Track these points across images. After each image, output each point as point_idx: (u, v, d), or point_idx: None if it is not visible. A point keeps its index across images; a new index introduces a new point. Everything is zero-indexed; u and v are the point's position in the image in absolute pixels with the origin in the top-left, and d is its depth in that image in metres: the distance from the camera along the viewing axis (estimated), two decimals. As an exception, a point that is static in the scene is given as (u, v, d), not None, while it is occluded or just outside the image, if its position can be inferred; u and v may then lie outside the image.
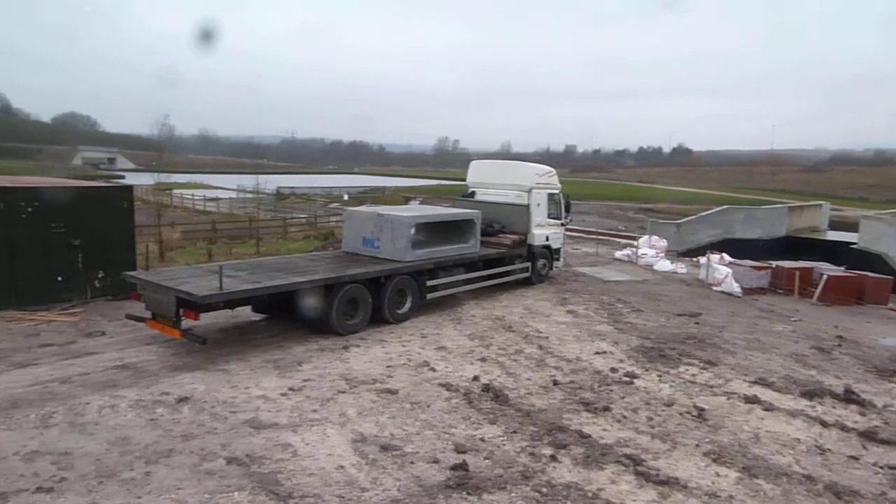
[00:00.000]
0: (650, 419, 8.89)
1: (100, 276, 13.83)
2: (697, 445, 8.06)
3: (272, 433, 7.84)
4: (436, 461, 7.29)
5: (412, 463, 7.23)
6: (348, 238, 14.72)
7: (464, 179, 19.75)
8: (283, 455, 7.28)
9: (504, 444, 7.86)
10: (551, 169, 19.09)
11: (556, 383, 10.16)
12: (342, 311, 12.06)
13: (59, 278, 13.27)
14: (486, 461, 7.37)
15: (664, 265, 22.92)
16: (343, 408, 8.74)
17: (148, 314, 11.00)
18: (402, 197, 54.79)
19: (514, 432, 8.22)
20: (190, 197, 46.95)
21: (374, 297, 12.66)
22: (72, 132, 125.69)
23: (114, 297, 13.78)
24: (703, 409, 9.26)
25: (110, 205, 14.18)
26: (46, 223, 13.00)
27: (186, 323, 10.54)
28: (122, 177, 74.37)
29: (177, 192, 48.36)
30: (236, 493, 6.40)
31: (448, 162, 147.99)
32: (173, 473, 6.74)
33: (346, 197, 58.57)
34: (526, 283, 17.60)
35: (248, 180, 64.82)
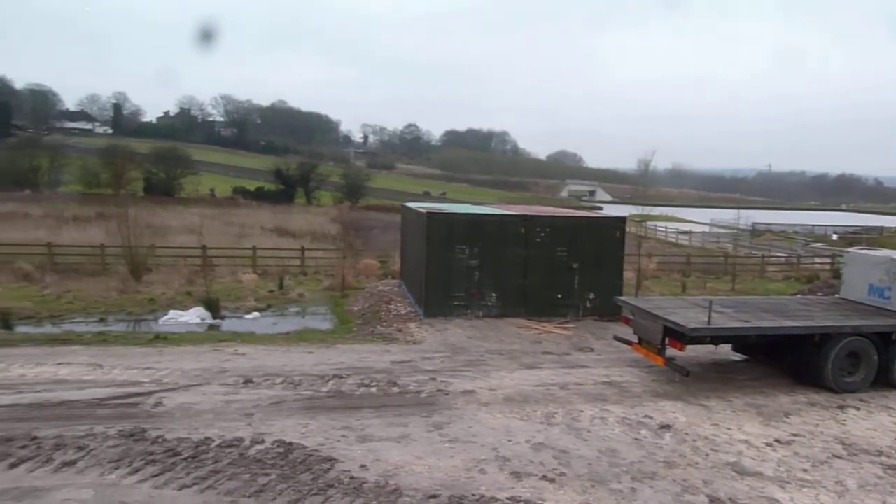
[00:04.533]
0: None
1: (590, 297, 15.33)
2: None
3: (756, 482, 7.46)
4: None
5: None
6: (849, 284, 13.05)
7: None
8: (769, 508, 6.86)
9: None
10: None
11: None
12: (839, 366, 10.74)
13: (559, 296, 15.19)
14: None
15: None
16: (840, 475, 7.78)
17: (634, 338, 11.67)
18: (908, 240, 45.94)
19: None
20: (663, 229, 48.13)
21: (880, 356, 10.93)
22: (561, 167, 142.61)
23: (601, 318, 15.08)
24: None
25: (605, 234, 15.59)
26: (553, 247, 15.06)
27: (670, 352, 10.83)
28: (601, 208, 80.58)
29: (650, 223, 50.12)
30: (721, 534, 6.28)
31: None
32: (657, 497, 6.99)
33: (834, 237, 51.96)
34: None
35: (720, 214, 63.22)
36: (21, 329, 14.70)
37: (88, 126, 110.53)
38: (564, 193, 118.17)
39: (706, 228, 54.23)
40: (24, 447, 7.65)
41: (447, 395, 9.91)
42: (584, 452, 8.02)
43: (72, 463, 7.31)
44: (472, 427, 8.66)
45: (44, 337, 13.47)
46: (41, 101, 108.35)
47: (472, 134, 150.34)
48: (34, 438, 7.86)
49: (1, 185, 59.12)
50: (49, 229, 33.03)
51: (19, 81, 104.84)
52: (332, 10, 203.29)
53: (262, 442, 7.92)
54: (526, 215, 15.68)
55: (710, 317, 10.17)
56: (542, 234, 15.06)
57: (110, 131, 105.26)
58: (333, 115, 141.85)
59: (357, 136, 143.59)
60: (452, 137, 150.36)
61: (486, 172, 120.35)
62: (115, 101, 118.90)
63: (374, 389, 10.06)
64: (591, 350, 13.00)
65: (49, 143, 72.64)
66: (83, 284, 19.85)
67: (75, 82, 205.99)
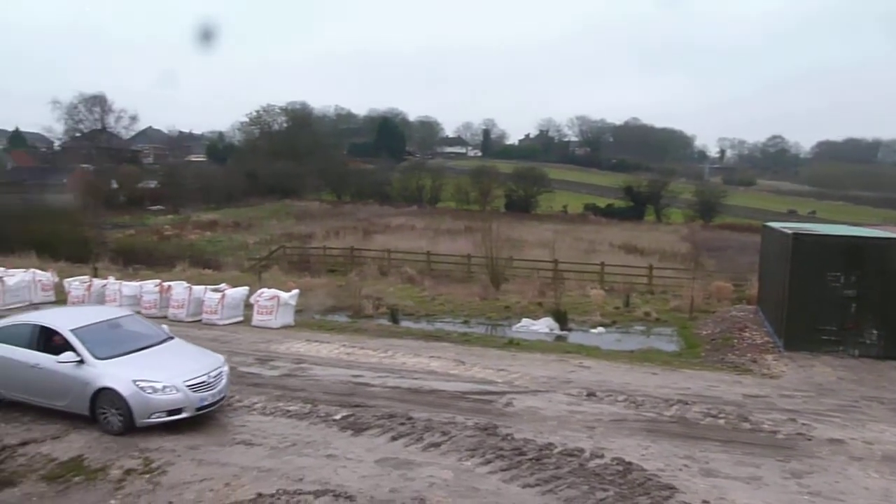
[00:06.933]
0: None
1: None
2: None
3: None
4: None
5: None
6: None
7: None
8: None
9: None
10: None
11: None
12: None
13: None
14: None
15: None
16: None
17: None
18: None
19: None
20: None
21: None
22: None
23: None
24: None
25: None
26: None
27: None
28: None
29: None
30: None
31: None
32: None
33: None
34: None
35: None
36: (404, 323, 17.32)
37: (463, 150, 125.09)
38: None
39: None
40: (402, 424, 9.06)
41: (809, 440, 8.80)
42: None
43: (437, 445, 8.42)
44: (840, 483, 7.55)
45: (421, 332, 15.68)
46: (428, 131, 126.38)
47: (851, 144, 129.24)
48: (410, 418, 9.24)
49: (396, 202, 70.75)
50: (428, 240, 38.39)
51: (412, 115, 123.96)
52: (690, 22, 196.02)
53: (602, 457, 8.06)
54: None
55: None
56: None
57: (480, 154, 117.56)
58: (687, 131, 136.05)
59: (713, 151, 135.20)
60: (826, 149, 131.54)
61: (870, 188, 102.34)
62: (484, 128, 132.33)
63: (721, 421, 9.44)
64: None
65: (432, 166, 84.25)
66: (452, 289, 22.54)
67: (454, 113, 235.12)
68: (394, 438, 8.64)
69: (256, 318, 15.52)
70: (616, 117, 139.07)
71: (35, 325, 9.58)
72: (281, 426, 9.06)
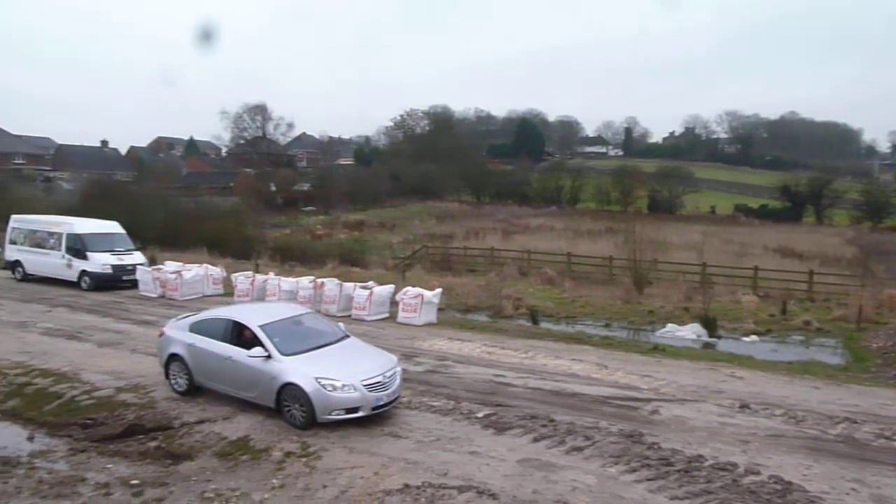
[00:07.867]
0: None
1: None
2: None
3: None
4: None
5: None
6: None
7: None
8: None
9: None
10: None
11: None
12: None
13: None
14: None
15: None
16: None
17: None
18: None
19: None
20: None
21: None
22: None
23: None
24: None
25: None
26: None
27: None
28: None
29: None
30: None
31: None
32: None
33: None
34: None
35: None
36: (544, 325, 17.25)
37: (603, 150, 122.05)
38: None
39: None
40: (544, 426, 9.05)
41: None
42: None
43: (580, 449, 8.33)
44: None
45: (561, 334, 15.53)
46: (567, 131, 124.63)
47: None
48: (552, 421, 9.22)
49: (535, 203, 70.50)
50: (568, 241, 37.90)
51: (551, 115, 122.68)
52: (853, 5, 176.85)
53: (758, 473, 7.61)
54: None
55: None
56: None
57: (621, 153, 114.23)
58: (853, 124, 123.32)
59: (884, 146, 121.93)
60: None
61: None
62: (626, 126, 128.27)
63: (897, 444, 8.59)
64: None
65: (571, 166, 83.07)
66: (592, 291, 22.11)
67: (594, 112, 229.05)
68: (536, 440, 8.65)
69: (401, 315, 16.11)
70: (771, 112, 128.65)
71: (228, 320, 10.25)
72: (426, 420, 9.37)
